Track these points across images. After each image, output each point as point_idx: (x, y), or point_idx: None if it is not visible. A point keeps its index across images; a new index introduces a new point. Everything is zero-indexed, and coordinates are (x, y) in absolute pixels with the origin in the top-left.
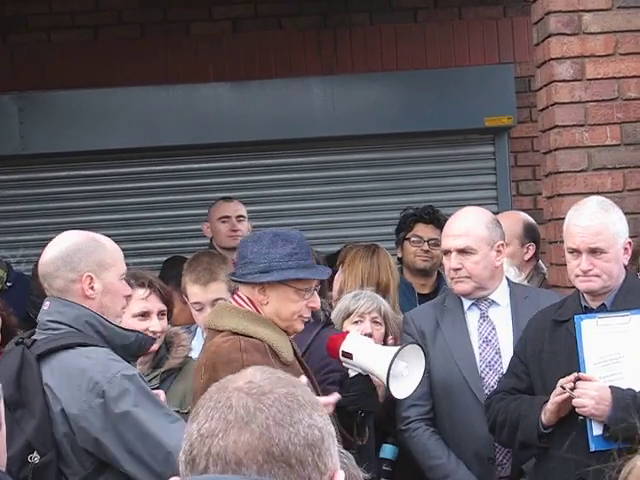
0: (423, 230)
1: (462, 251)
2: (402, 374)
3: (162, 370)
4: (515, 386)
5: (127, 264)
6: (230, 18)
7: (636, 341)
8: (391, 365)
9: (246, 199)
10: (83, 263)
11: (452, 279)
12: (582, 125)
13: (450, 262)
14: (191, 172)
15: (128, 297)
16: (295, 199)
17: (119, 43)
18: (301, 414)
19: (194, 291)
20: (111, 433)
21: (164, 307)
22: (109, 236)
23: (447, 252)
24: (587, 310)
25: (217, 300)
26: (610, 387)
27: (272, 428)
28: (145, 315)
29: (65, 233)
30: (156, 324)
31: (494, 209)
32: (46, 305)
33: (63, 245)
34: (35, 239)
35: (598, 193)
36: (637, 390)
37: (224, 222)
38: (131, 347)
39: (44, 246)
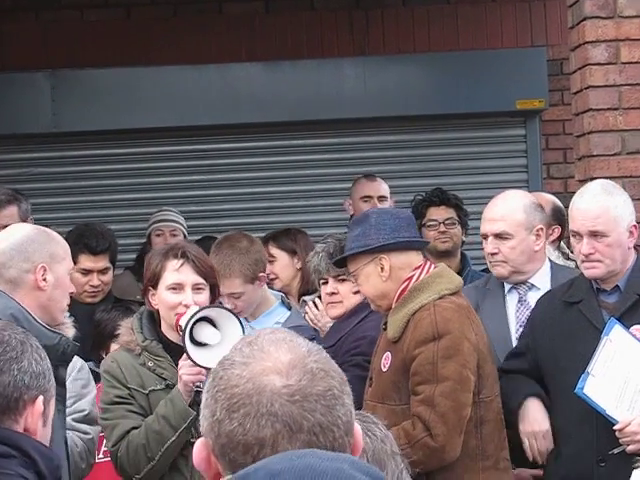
0: (436, 213)
1: (498, 236)
2: (210, 342)
3: None
4: (519, 367)
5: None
6: None
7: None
8: (190, 322)
9: (277, 179)
10: (37, 254)
11: (490, 263)
12: (616, 109)
13: (487, 247)
14: (222, 152)
15: (71, 294)
16: (326, 180)
17: (152, 22)
18: (339, 407)
19: None
20: None
21: (200, 280)
22: (141, 215)
23: (485, 236)
24: (599, 291)
25: (230, 294)
26: None
27: (320, 435)
28: (178, 288)
29: (15, 225)
30: (189, 297)
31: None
32: None
33: (16, 236)
34: (66, 217)
35: (631, 177)
36: None
37: (366, 202)
38: (55, 349)
39: (74, 224)
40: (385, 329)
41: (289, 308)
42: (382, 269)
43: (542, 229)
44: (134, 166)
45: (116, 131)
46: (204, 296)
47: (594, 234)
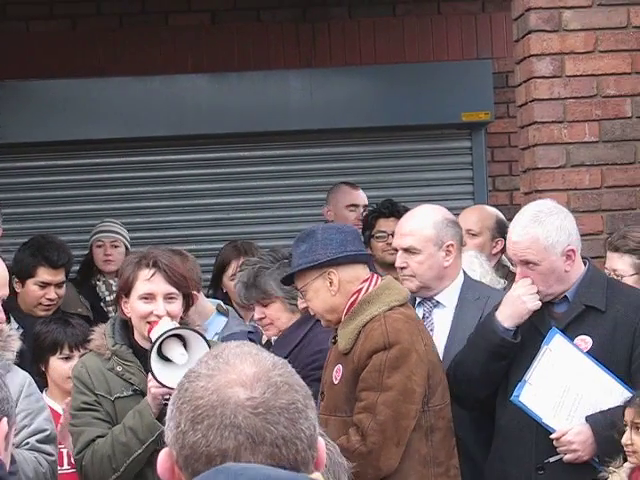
0: (385, 224)
1: (407, 250)
2: (178, 361)
3: None
4: None
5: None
6: (209, 10)
7: (584, 374)
8: (158, 341)
9: (223, 191)
10: None
11: (401, 276)
12: (561, 122)
13: (396, 261)
14: (168, 163)
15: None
16: (273, 191)
17: (97, 34)
18: (302, 421)
19: None
20: None
21: (172, 289)
22: (86, 226)
23: (396, 250)
24: (549, 303)
25: None
26: (586, 420)
27: (282, 448)
28: (150, 297)
29: None
30: (161, 307)
31: (470, 204)
32: None
33: None
34: (12, 228)
35: (576, 189)
36: (604, 408)
37: (352, 211)
38: None
39: (21, 235)
40: (335, 342)
41: (227, 315)
42: (331, 283)
43: (453, 245)
44: (80, 177)
45: (62, 142)
46: (177, 305)
47: (526, 263)
